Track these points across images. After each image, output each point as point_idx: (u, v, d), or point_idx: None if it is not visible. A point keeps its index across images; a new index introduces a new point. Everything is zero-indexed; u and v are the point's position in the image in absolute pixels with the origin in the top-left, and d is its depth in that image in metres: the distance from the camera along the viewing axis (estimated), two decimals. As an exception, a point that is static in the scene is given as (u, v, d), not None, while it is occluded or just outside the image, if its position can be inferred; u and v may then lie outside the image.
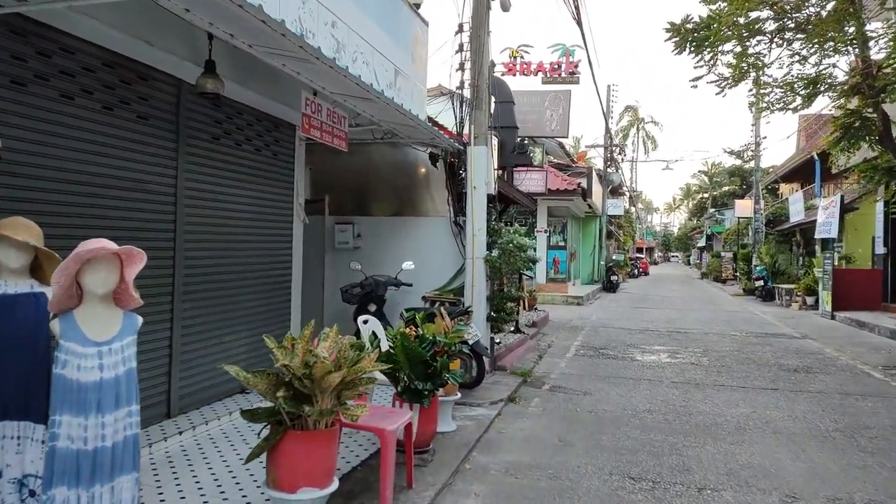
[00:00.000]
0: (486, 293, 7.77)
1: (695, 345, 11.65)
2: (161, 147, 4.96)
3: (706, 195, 79.53)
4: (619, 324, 14.80)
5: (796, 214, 22.30)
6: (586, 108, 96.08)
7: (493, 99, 15.33)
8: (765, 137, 26.30)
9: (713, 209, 57.09)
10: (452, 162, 7.82)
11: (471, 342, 6.75)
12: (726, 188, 70.50)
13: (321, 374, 3.00)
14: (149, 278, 4.81)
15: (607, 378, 8.38)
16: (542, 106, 16.31)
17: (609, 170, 27.74)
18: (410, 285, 7.60)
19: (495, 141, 7.83)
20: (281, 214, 6.70)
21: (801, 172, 28.25)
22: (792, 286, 20.38)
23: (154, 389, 4.97)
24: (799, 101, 10.69)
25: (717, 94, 11.69)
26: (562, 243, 21.08)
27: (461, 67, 7.80)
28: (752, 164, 71.12)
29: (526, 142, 14.51)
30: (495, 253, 7.64)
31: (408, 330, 4.90)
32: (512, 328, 10.69)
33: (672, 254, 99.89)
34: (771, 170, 64.81)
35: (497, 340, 9.45)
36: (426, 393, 4.42)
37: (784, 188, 36.16)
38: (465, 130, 7.80)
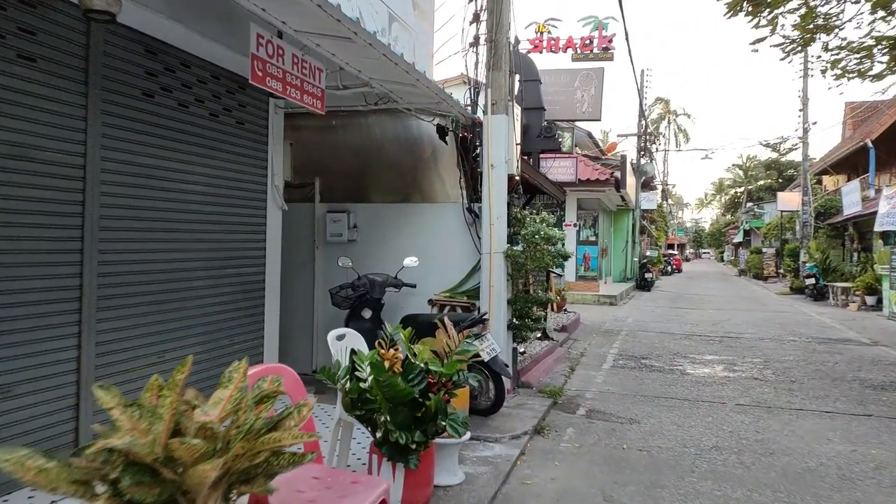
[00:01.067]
0: (506, 295, 6.35)
1: (751, 353, 10.06)
2: (61, 101, 3.65)
3: (740, 190, 76.89)
4: (660, 327, 13.23)
5: (851, 206, 20.35)
6: (616, 98, 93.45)
7: (517, 77, 13.91)
8: (814, 123, 24.17)
9: (751, 203, 54.65)
10: (465, 137, 6.41)
11: (486, 358, 5.35)
12: (762, 182, 68.03)
13: (189, 459, 1.63)
14: (35, 276, 3.51)
15: (656, 398, 6.89)
16: (572, 86, 14.78)
17: (643, 160, 25.98)
18: (414, 286, 6.22)
19: (517, 111, 6.42)
20: (250, 199, 5.37)
21: (849, 163, 26.16)
22: (848, 284, 18.50)
23: (56, 429, 3.68)
24: (881, 67, 9.01)
25: (781, 59, 10.06)
26: (592, 238, 19.51)
27: (475, 19, 6.38)
28: (788, 157, 68.09)
29: (554, 125, 13.02)
30: (518, 247, 6.22)
31: (391, 352, 3.52)
32: (539, 334, 9.25)
33: (703, 250, 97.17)
34: (808, 162, 62.09)
35: (521, 350, 8.03)
36: (413, 448, 3.03)
37: (827, 181, 33.89)
38: (482, 101, 6.37)
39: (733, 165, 79.97)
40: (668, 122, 63.58)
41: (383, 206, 7.01)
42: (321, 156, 7.01)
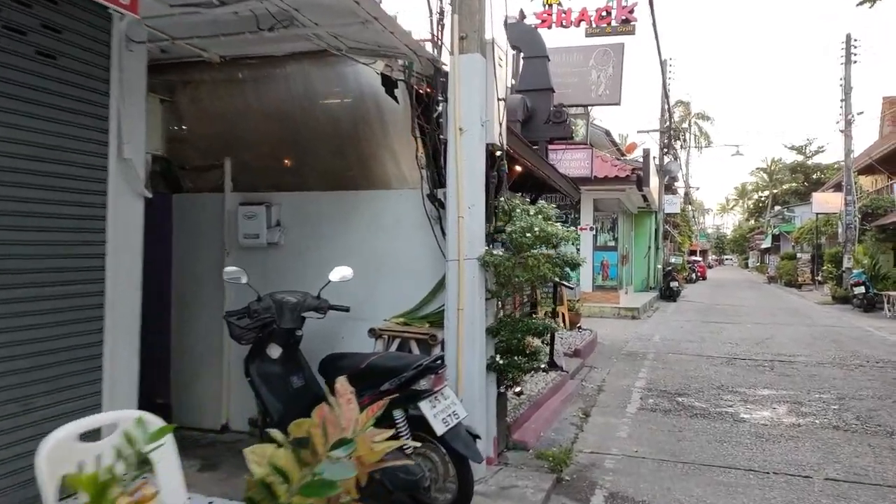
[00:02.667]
0: (484, 322, 4.32)
1: (816, 385, 7.90)
2: None
3: (765, 193, 74.17)
4: (693, 347, 11.06)
5: (907, 205, 17.99)
6: (635, 90, 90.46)
7: (520, 53, 11.90)
8: (860, 113, 21.83)
9: (779, 206, 52.01)
10: (426, 93, 4.40)
11: (440, 431, 3.32)
12: (787, 186, 65.38)
13: None
14: None
15: (707, 470, 4.79)
16: (587, 65, 12.71)
17: (666, 158, 23.74)
18: (347, 309, 4.20)
19: (501, 53, 4.43)
20: (75, 181, 3.42)
21: (892, 160, 23.69)
22: (906, 294, 16.15)
23: None
24: None
25: (859, 3, 7.97)
26: (611, 243, 17.35)
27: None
28: (815, 159, 65.26)
29: (564, 109, 10.98)
30: (499, 251, 4.18)
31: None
32: (543, 365, 7.17)
33: (726, 256, 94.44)
34: (836, 165, 59.58)
35: (517, 391, 5.99)
36: None
37: (864, 181, 31.33)
38: (448, 39, 4.35)
39: (757, 169, 77.57)
40: (689, 126, 61.22)
41: (317, 195, 5.01)
42: (231, 126, 5.04)
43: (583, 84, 12.68)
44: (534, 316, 8.75)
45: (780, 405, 6.88)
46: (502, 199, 4.61)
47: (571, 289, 8.60)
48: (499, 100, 4.35)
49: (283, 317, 4.01)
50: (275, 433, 2.18)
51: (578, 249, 17.67)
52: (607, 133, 26.05)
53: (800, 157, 64.50)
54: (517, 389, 6.00)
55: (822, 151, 63.72)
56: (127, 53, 3.74)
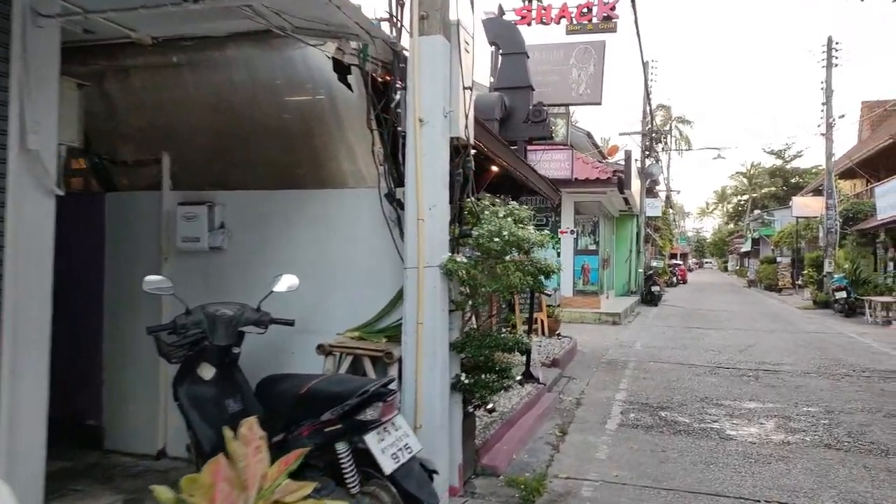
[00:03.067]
0: (447, 337, 3.86)
1: (803, 397, 7.56)
2: None
3: (744, 198, 74.75)
4: (676, 355, 10.70)
5: (889, 209, 17.86)
6: (616, 91, 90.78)
7: (498, 50, 11.48)
8: (842, 116, 21.74)
9: (759, 210, 52.30)
10: (383, 80, 3.94)
11: (389, 469, 2.85)
12: (766, 190, 65.92)
13: None
14: None
15: (692, 498, 4.37)
16: (567, 63, 12.32)
17: (648, 161, 23.48)
18: (291, 323, 3.71)
19: (468, 36, 3.98)
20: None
21: (870, 165, 23.65)
22: (890, 299, 15.98)
23: None
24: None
25: None
26: (592, 247, 17.00)
27: None
28: (794, 164, 65.78)
29: (543, 108, 10.58)
30: (462, 258, 3.72)
31: None
32: (517, 378, 6.74)
33: (706, 260, 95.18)
34: (814, 169, 60.08)
35: (489, 408, 5.53)
36: None
37: (843, 185, 31.42)
38: (408, 19, 3.89)
39: (737, 173, 78.18)
40: (671, 129, 61.43)
41: (266, 194, 4.53)
42: (168, 116, 4.53)
43: (563, 83, 12.29)
44: (511, 323, 8.34)
45: (768, 420, 6.50)
46: (470, 199, 4.17)
47: (549, 295, 8.16)
48: (465, 89, 3.90)
49: (215, 332, 3.51)
50: (160, 492, 1.71)
51: (559, 253, 17.33)
52: (589, 135, 25.76)
53: (779, 162, 65.20)
54: (489, 406, 5.55)
55: (801, 156, 64.52)
56: (34, 30, 3.24)
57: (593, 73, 12.06)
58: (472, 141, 3.98)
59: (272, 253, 4.44)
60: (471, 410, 4.46)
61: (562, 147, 12.45)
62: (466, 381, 3.92)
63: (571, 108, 16.94)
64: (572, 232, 16.80)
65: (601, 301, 16.79)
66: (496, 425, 5.38)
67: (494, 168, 7.23)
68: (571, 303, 16.63)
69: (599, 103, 12.27)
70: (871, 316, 16.52)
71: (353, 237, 4.28)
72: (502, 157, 6.36)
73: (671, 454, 5.30)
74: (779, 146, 62.65)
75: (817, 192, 30.64)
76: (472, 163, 3.95)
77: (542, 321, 11.08)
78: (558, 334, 11.00)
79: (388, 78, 3.95)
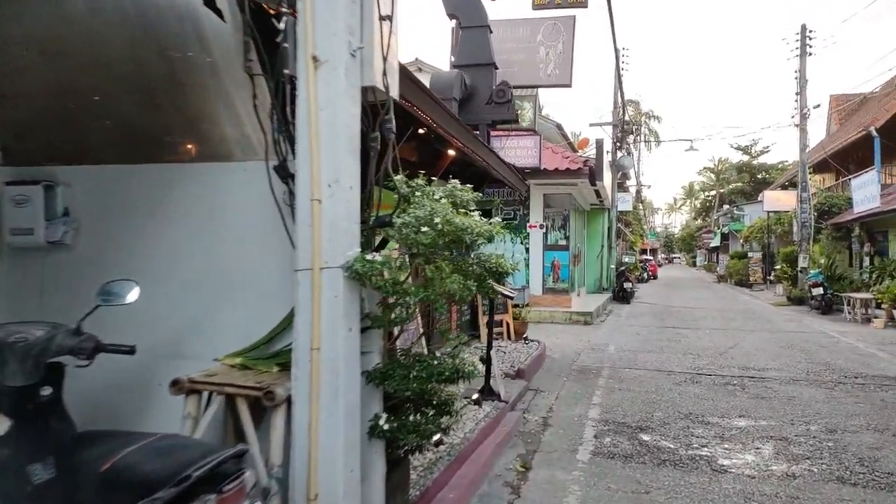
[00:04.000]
0: (357, 366, 2.77)
1: (797, 411, 6.66)
2: None
3: (712, 193, 75.24)
4: (652, 360, 9.78)
5: (865, 202, 17.29)
6: (587, 78, 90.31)
7: (459, 24, 10.39)
8: (816, 106, 21.17)
9: (728, 205, 52.30)
10: (266, 8, 2.83)
11: None
12: (733, 185, 66.34)
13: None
14: None
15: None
16: (534, 41, 11.24)
17: (619, 153, 22.63)
18: (130, 351, 2.58)
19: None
20: None
21: (839, 157, 23.20)
22: (869, 296, 15.37)
23: None
24: None
25: None
26: (563, 242, 16.04)
27: None
28: (761, 159, 66.32)
29: (508, 87, 9.52)
30: (377, 257, 2.64)
31: None
32: (473, 398, 5.68)
33: (675, 255, 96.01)
34: (781, 165, 60.41)
35: (435, 439, 4.45)
36: None
37: (813, 179, 31.17)
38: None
39: (705, 169, 78.76)
40: (641, 125, 61.31)
41: (124, 170, 3.37)
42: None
43: (530, 62, 11.25)
44: (459, 335, 7.28)
45: (764, 443, 5.56)
46: (399, 177, 3.07)
47: (510, 297, 7.13)
48: (382, 19, 2.80)
49: (6, 367, 2.36)
50: None
51: (528, 249, 16.36)
52: (559, 127, 24.89)
53: (746, 157, 65.64)
54: (436, 438, 4.48)
55: (768, 152, 65.10)
56: None
57: (562, 52, 11.05)
58: (393, 94, 2.88)
59: (133, 250, 3.30)
60: (402, 455, 3.39)
61: (529, 133, 11.39)
62: (386, 427, 2.84)
63: (540, 94, 15.98)
64: (542, 226, 15.83)
65: (572, 299, 15.87)
66: (442, 463, 4.32)
67: (451, 152, 6.17)
68: (541, 301, 15.68)
69: (569, 85, 11.29)
70: (849, 313, 15.90)
71: (241, 227, 3.17)
72: (466, 143, 5.31)
73: (657, 496, 4.30)
74: (746, 142, 63.01)
75: (789, 185, 30.31)
76: (394, 123, 2.85)
77: (507, 324, 10.08)
78: (525, 338, 10.00)
79: (279, 8, 2.83)
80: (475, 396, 5.88)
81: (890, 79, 24.03)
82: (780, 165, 59.32)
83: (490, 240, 2.85)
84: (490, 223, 2.88)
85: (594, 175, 14.93)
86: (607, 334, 12.90)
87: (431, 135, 4.87)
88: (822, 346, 11.50)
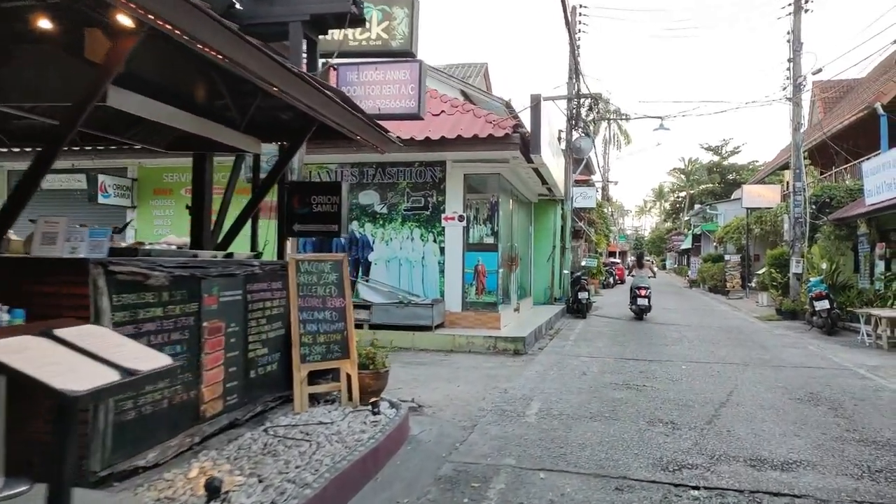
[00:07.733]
0: None
1: None
2: None
3: (682, 194, 72.78)
4: (594, 447, 5.61)
5: (882, 190, 13.45)
6: (537, 44, 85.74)
7: None
8: (819, 70, 17.31)
9: (700, 205, 49.07)
10: None
11: None
12: (703, 186, 64.01)
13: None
14: None
15: None
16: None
17: (575, 133, 18.52)
18: None
19: None
20: None
21: (835, 143, 19.56)
22: (893, 313, 11.49)
23: None
24: None
25: None
26: (490, 240, 11.88)
27: None
28: (731, 160, 63.79)
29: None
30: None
31: None
32: None
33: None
34: (751, 165, 57.65)
35: None
36: None
37: (787, 175, 27.69)
38: None
39: (675, 169, 76.39)
40: (609, 123, 57.92)
41: None
42: None
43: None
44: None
45: None
46: None
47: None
48: None
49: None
50: None
51: (442, 249, 12.19)
52: (508, 105, 20.79)
53: (716, 158, 63.60)
54: None
55: (739, 152, 62.93)
56: None
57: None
58: None
59: None
60: None
61: (401, 60, 7.01)
62: None
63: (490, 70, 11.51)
64: (461, 218, 11.63)
65: (501, 318, 11.65)
66: None
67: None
68: (460, 321, 11.48)
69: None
70: (868, 336, 11.97)
71: None
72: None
73: None
74: (716, 142, 60.88)
75: (781, 170, 26.80)
76: None
77: (347, 377, 5.81)
78: (377, 400, 5.69)
79: None
80: None
81: (890, 55, 20.58)
82: (750, 166, 56.88)
83: None
84: None
85: (528, 145, 10.78)
86: (537, 376, 8.69)
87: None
88: (858, 399, 7.47)
